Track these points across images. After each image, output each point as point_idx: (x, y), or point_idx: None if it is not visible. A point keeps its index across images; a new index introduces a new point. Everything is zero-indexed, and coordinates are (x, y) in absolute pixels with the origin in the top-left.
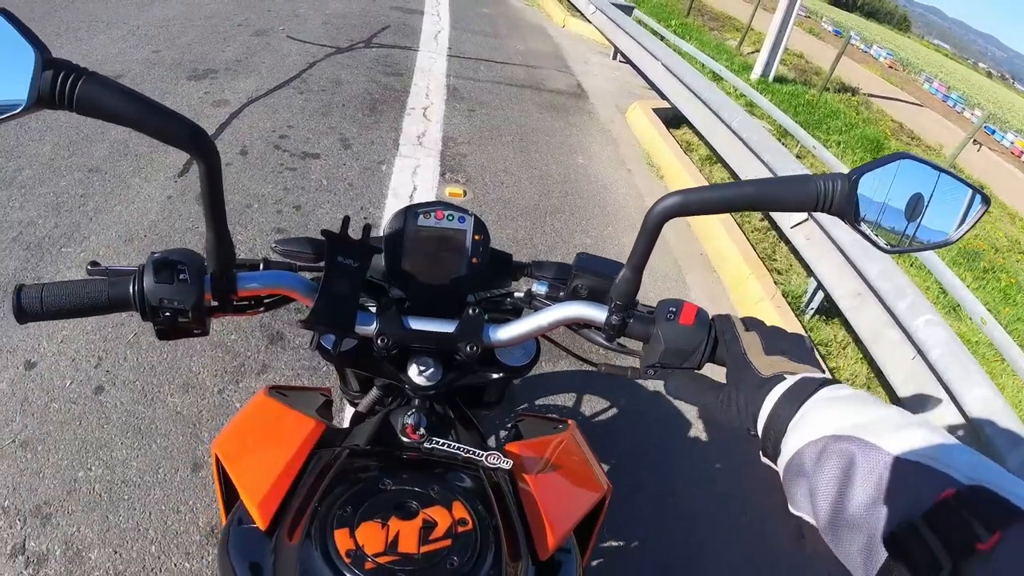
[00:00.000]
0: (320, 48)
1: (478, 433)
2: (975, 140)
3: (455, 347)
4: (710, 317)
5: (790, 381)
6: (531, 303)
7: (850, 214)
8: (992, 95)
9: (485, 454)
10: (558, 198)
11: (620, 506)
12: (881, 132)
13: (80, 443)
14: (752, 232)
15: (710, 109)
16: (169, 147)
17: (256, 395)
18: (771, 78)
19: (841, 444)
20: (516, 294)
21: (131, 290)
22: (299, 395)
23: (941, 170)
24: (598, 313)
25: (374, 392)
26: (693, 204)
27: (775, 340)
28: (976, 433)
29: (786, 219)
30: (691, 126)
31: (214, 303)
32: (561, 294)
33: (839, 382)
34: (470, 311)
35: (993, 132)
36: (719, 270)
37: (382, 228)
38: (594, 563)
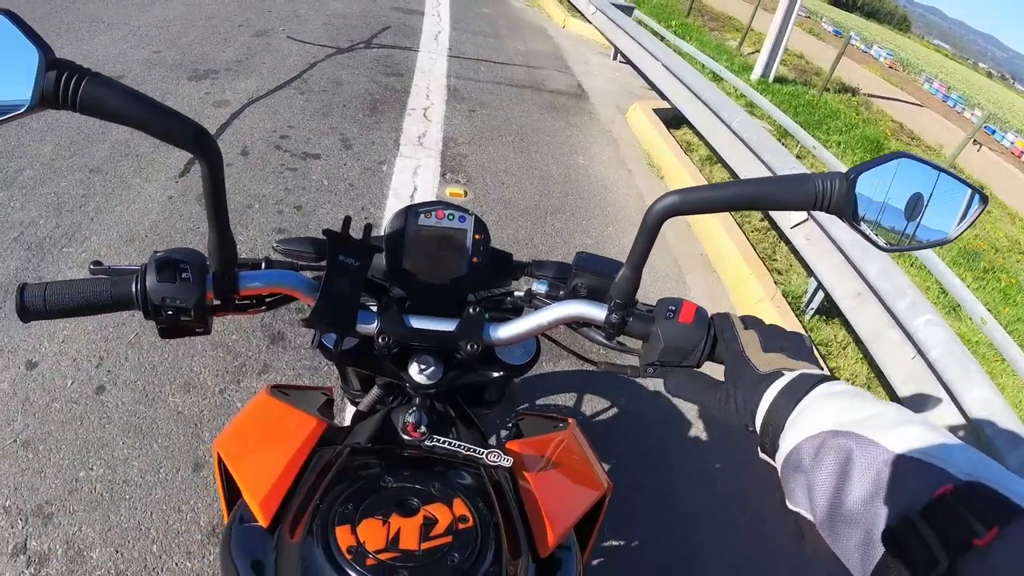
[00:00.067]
0: (321, 49)
1: (479, 431)
2: (975, 140)
3: (456, 346)
4: (709, 315)
5: (788, 377)
6: (531, 302)
7: (848, 213)
8: (992, 95)
9: (486, 452)
10: (559, 198)
11: (620, 506)
12: (881, 132)
13: (81, 443)
14: (752, 232)
15: (710, 109)
16: (170, 147)
17: (258, 394)
18: (771, 78)
19: (839, 440)
20: (516, 293)
21: (134, 289)
22: (301, 394)
23: (940, 169)
24: (598, 312)
25: (375, 391)
26: (692, 203)
27: (773, 338)
28: (976, 433)
29: (786, 219)
30: (691, 126)
31: (216, 302)
32: (561, 293)
33: (837, 379)
34: (471, 310)
35: (993, 132)
36: (719, 270)
37: (383, 228)
38: (594, 562)
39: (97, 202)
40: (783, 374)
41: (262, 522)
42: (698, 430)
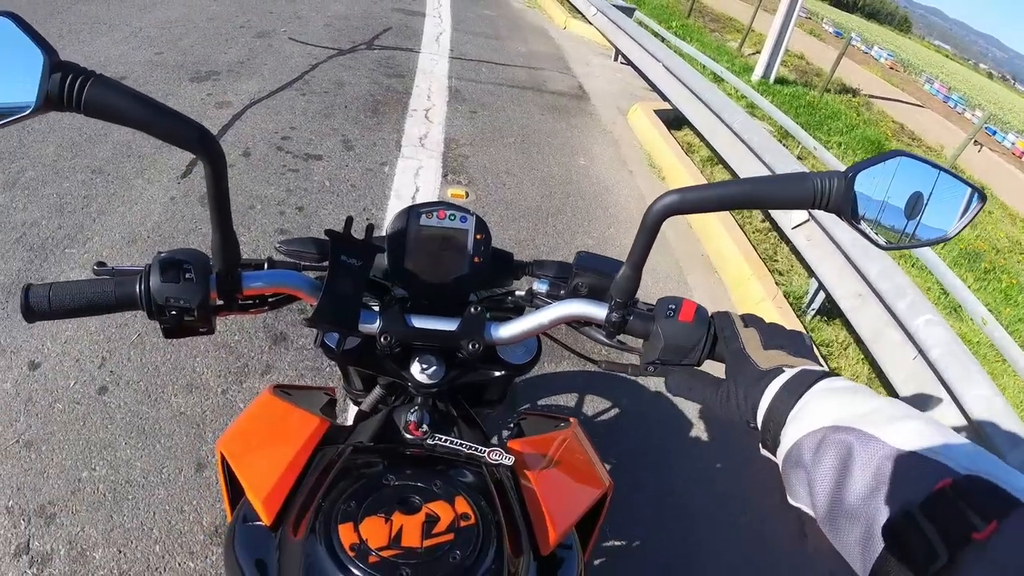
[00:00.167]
0: (322, 50)
1: (481, 431)
2: (976, 141)
3: (457, 345)
4: (709, 314)
5: (789, 374)
6: (532, 301)
7: (847, 211)
8: (993, 96)
9: (487, 450)
10: (560, 199)
11: (620, 506)
12: (882, 133)
13: (84, 443)
14: (753, 233)
15: (711, 110)
16: (172, 148)
17: (261, 394)
18: (772, 79)
19: (840, 435)
20: (517, 293)
21: (138, 289)
22: (303, 394)
23: (938, 167)
24: (598, 311)
25: (377, 390)
26: (691, 202)
27: (774, 336)
28: (976, 432)
29: (787, 220)
30: (692, 127)
31: (219, 302)
32: (562, 292)
33: (838, 375)
34: (472, 309)
35: (994, 133)
36: (720, 271)
37: (385, 228)
38: (595, 562)
39: (99, 203)
40: (784, 371)
41: (265, 521)
42: (698, 430)
